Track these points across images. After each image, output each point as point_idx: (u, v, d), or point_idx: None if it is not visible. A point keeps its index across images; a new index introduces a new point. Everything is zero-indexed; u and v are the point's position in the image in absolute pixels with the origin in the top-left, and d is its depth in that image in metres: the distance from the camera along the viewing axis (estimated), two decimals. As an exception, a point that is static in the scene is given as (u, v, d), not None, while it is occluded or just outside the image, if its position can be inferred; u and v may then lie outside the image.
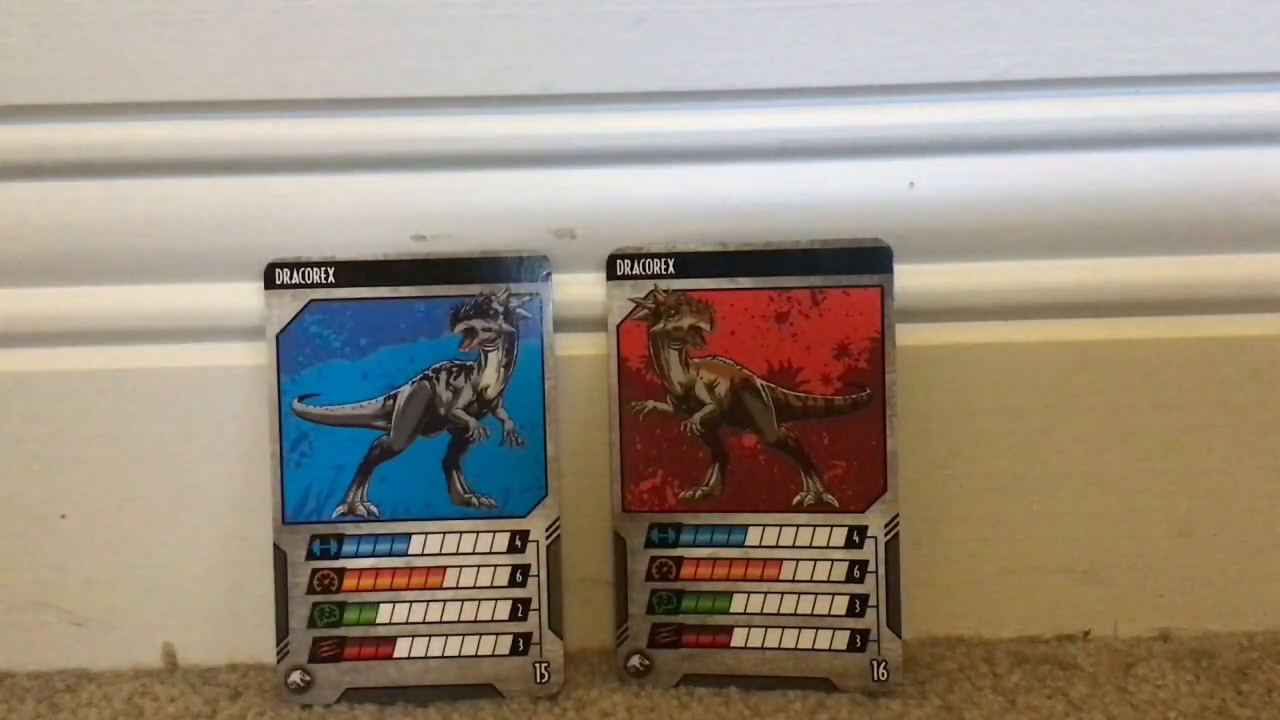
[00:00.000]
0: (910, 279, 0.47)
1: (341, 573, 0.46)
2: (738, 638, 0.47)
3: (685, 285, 0.47)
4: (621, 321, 0.47)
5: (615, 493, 0.47)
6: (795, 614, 0.46)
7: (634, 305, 0.47)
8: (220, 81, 0.45)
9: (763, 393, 0.47)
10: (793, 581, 0.46)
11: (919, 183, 0.47)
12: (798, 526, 0.46)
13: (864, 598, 0.46)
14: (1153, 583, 0.49)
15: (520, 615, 0.46)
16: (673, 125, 0.46)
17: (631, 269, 0.47)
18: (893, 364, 0.46)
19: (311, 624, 0.46)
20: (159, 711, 0.46)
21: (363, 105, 0.46)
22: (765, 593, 0.46)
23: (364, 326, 0.46)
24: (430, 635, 0.46)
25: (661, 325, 0.47)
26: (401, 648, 0.46)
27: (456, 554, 0.46)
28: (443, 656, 0.46)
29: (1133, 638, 0.50)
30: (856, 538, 0.46)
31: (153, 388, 0.47)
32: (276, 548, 0.46)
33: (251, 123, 0.46)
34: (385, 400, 0.46)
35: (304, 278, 0.46)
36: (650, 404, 0.47)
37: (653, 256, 0.47)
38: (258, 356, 0.47)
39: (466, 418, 0.46)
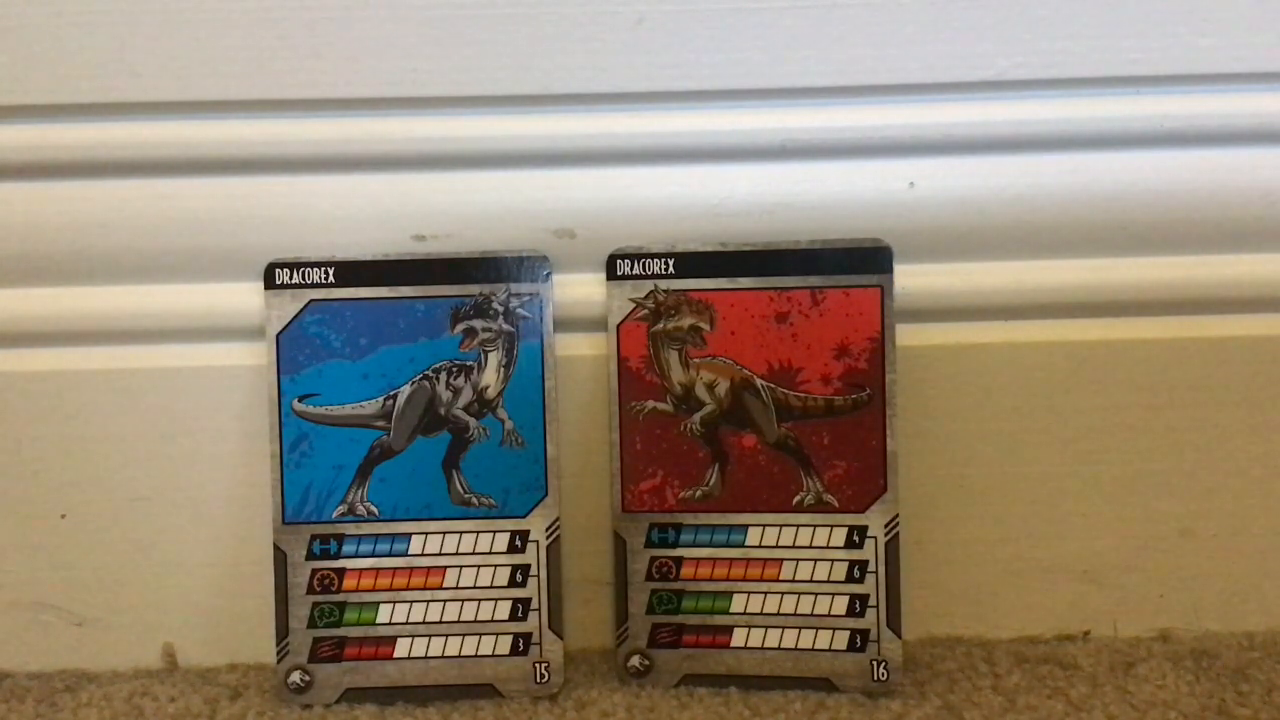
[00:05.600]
0: (910, 279, 0.47)
1: (341, 573, 0.46)
2: (738, 638, 0.47)
3: (685, 285, 0.47)
4: (621, 321, 0.47)
5: (615, 493, 0.47)
6: (795, 614, 0.46)
7: (634, 305, 0.47)
8: (220, 81, 0.45)
9: (763, 393, 0.47)
10: (793, 581, 0.46)
11: (919, 183, 0.47)
12: (798, 526, 0.46)
13: (864, 598, 0.46)
14: (1153, 583, 0.50)
15: (520, 615, 0.46)
16: (673, 125, 0.46)
17: (631, 269, 0.47)
18: (893, 364, 0.46)
19: (311, 624, 0.46)
20: (159, 711, 0.46)
21: (363, 105, 0.46)
22: (765, 593, 0.46)
23: (364, 326, 0.46)
24: (430, 635, 0.46)
25: (661, 325, 0.47)
26: (401, 648, 0.46)
27: (456, 554, 0.46)
28: (443, 656, 0.46)
29: (1133, 638, 0.50)
30: (856, 538, 0.46)
31: (153, 388, 0.47)
32: (276, 548, 0.46)
33: (251, 123, 0.46)
34: (385, 400, 0.46)
35: (304, 278, 0.46)
36: (650, 404, 0.47)
37: (653, 256, 0.47)
38: (258, 356, 0.47)
39: (466, 418, 0.46)
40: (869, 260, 0.46)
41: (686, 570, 0.47)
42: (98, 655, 0.49)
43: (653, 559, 0.47)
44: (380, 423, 0.46)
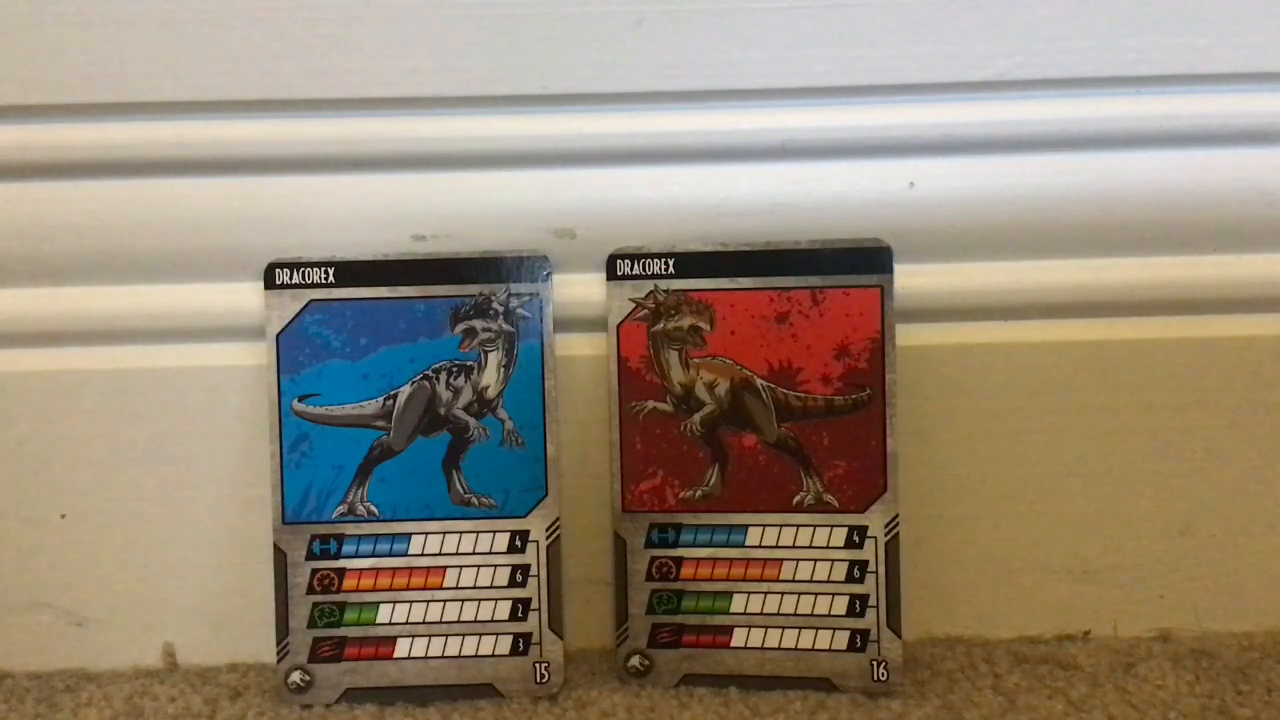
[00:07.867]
0: (910, 279, 0.47)
1: (341, 573, 0.46)
2: (738, 638, 0.47)
3: (685, 285, 0.47)
4: (621, 321, 0.47)
5: (615, 493, 0.47)
6: (795, 614, 0.46)
7: (634, 305, 0.47)
8: (220, 81, 0.45)
9: (763, 393, 0.47)
10: (793, 581, 0.46)
11: (919, 183, 0.47)
12: (798, 526, 0.46)
13: (864, 598, 0.46)
14: (1153, 583, 0.49)
15: (520, 615, 0.46)
16: (673, 125, 0.46)
17: (631, 269, 0.47)
18: (893, 364, 0.46)
19: (311, 624, 0.46)
20: (159, 711, 0.46)
21: (363, 105, 0.46)
22: (765, 593, 0.46)
23: (364, 326, 0.46)
24: (430, 635, 0.46)
25: (661, 325, 0.47)
26: (401, 648, 0.46)
27: (456, 554, 0.46)
28: (443, 656, 0.46)
29: (1133, 638, 0.50)
30: (856, 538, 0.46)
31: (153, 388, 0.47)
32: (276, 548, 0.46)
33: (251, 123, 0.46)
34: (385, 400, 0.46)
35: (304, 278, 0.46)
36: (650, 404, 0.47)
37: (653, 256, 0.47)
38: (258, 356, 0.47)
39: (466, 418, 0.46)
40: (869, 260, 0.46)
41: (686, 570, 0.47)
42: (98, 655, 0.49)
43: (653, 559, 0.47)
44: (380, 423, 0.46)
